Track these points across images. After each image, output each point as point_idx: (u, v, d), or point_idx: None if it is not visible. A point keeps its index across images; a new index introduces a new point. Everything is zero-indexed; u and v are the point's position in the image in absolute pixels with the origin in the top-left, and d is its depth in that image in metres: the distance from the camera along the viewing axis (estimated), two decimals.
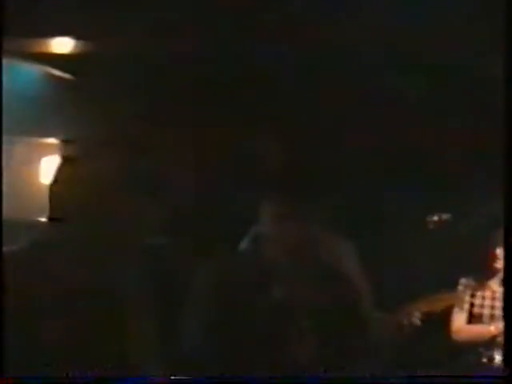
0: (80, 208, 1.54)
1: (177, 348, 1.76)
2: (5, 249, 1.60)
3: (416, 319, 2.52)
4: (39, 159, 4.61)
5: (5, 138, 4.92)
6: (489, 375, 1.56)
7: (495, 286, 3.46)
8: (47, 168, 4.61)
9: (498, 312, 3.30)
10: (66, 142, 4.50)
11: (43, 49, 3.53)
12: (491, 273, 3.48)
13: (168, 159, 1.65)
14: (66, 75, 4.02)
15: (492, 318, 3.35)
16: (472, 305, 3.45)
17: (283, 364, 2.06)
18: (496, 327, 3.18)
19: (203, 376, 1.52)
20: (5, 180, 5.11)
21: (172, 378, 1.44)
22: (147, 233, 1.56)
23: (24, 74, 4.23)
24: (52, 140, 4.30)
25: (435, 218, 3.45)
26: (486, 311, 3.41)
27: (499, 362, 2.38)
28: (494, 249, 3.39)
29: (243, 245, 2.29)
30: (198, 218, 2.99)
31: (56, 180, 1.60)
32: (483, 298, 3.46)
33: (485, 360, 2.92)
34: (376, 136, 2.96)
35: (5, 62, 3.98)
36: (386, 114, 2.85)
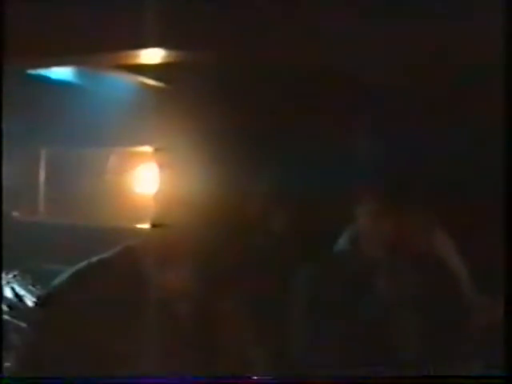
0: (180, 214, 1.57)
1: (279, 350, 1.78)
2: (100, 257, 1.64)
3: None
4: (133, 168, 4.71)
5: (101, 148, 5.04)
6: (489, 375, 1.53)
7: None
8: (141, 176, 4.71)
9: None
10: (159, 150, 4.56)
11: (136, 60, 3.60)
12: None
13: (265, 163, 1.66)
14: (159, 84, 4.10)
15: None
16: None
17: (388, 363, 2.05)
18: None
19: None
20: (100, 189, 5.24)
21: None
22: (250, 235, 1.58)
23: (117, 84, 4.33)
24: (145, 148, 4.38)
25: None
26: None
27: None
28: None
29: (341, 245, 2.29)
30: (297, 218, 3.00)
31: (156, 187, 1.64)
32: None
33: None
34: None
35: (99, 74, 4.09)
36: None
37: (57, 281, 1.61)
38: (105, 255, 1.64)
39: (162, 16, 2.71)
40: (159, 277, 1.58)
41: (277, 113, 3.26)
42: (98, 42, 3.21)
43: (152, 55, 3.35)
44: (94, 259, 1.64)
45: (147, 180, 4.45)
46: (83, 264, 1.63)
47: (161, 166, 1.67)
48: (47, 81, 3.90)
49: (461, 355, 2.09)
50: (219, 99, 2.75)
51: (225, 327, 1.60)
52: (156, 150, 1.71)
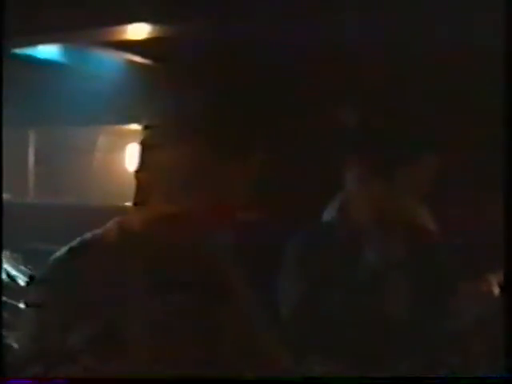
0: (165, 192, 1.56)
1: (272, 324, 1.77)
2: (93, 232, 1.63)
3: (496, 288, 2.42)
4: (123, 146, 4.68)
5: (90, 127, 5.01)
6: (491, 376, 1.51)
7: None
8: (131, 155, 4.68)
9: None
10: (148, 127, 4.53)
11: (122, 36, 3.57)
12: None
13: (251, 134, 1.64)
14: (147, 60, 4.06)
15: None
16: None
17: (379, 330, 2.05)
18: None
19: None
20: (90, 167, 5.21)
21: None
22: (236, 210, 1.57)
23: (105, 62, 4.29)
24: (135, 126, 4.35)
25: None
26: None
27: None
28: None
29: (329, 212, 2.29)
30: (284, 190, 2.99)
31: (140, 166, 1.62)
32: None
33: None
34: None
35: (85, 51, 4.05)
36: None
37: (52, 259, 1.60)
38: (97, 231, 1.63)
39: None
40: (151, 249, 1.57)
41: (268, 84, 3.24)
42: (84, 18, 3.17)
43: (139, 30, 3.32)
44: (87, 235, 1.63)
45: (137, 158, 4.44)
46: (76, 241, 1.61)
47: (149, 144, 1.64)
48: (33, 60, 3.86)
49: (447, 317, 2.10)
50: (209, 74, 2.73)
51: (223, 300, 1.60)
52: (145, 127, 1.68)
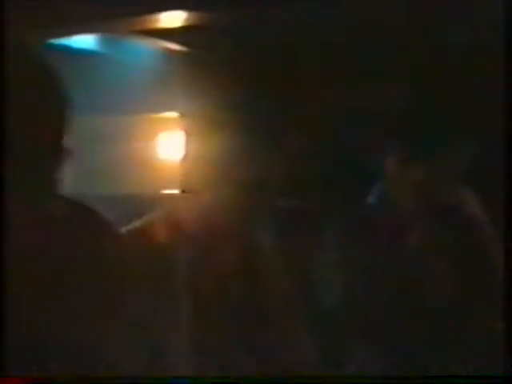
0: (208, 180, 1.55)
1: (312, 315, 1.76)
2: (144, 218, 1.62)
3: None
4: (157, 134, 4.68)
5: (125, 115, 5.02)
6: (489, 375, 1.49)
7: None
8: (166, 143, 4.69)
9: None
10: (184, 115, 4.55)
11: (157, 24, 3.56)
12: None
13: (288, 121, 1.62)
14: (183, 48, 4.05)
15: None
16: None
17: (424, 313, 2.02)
18: None
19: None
20: (126, 156, 5.23)
21: None
22: (275, 196, 1.56)
23: (139, 50, 4.29)
24: (170, 114, 4.35)
25: None
26: None
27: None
28: None
29: (371, 198, 2.27)
30: (324, 177, 2.97)
31: (183, 154, 1.62)
32: None
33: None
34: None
35: (122, 40, 4.05)
36: None
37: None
38: (148, 217, 1.62)
39: None
40: (191, 241, 1.56)
41: (302, 73, 3.21)
42: (118, 7, 3.16)
43: (174, 18, 3.31)
44: (139, 222, 1.63)
45: (173, 146, 4.44)
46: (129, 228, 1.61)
47: (186, 132, 1.64)
48: (67, 50, 3.87)
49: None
50: (244, 63, 2.71)
51: (267, 286, 1.59)
52: (181, 115, 1.68)
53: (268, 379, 1.30)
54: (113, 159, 5.40)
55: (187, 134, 4.25)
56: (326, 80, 3.32)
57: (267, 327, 1.53)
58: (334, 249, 2.18)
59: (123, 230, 1.62)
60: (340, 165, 3.29)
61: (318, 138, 2.79)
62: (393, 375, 1.35)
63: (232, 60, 1.97)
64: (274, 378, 1.27)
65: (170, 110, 4.39)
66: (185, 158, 1.64)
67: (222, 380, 1.27)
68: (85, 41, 3.96)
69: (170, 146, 4.70)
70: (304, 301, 1.73)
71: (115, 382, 1.22)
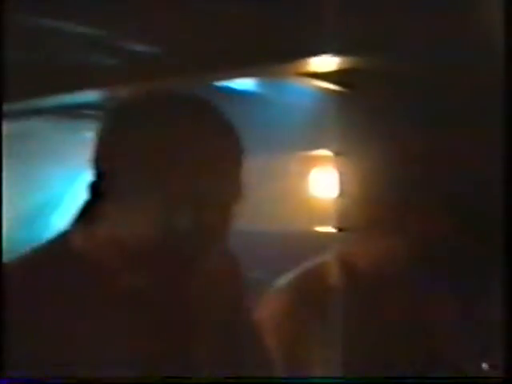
0: (361, 218, 1.60)
1: None
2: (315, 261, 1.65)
3: None
4: (309, 171, 4.78)
5: (281, 153, 5.15)
6: (489, 376, 1.42)
7: None
8: (317, 180, 4.77)
9: None
10: (338, 154, 4.61)
11: (315, 67, 3.68)
12: None
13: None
14: (338, 89, 4.14)
15: None
16: None
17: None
18: None
19: None
20: (281, 193, 5.34)
21: None
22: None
23: (297, 91, 4.43)
24: (325, 152, 4.44)
25: None
26: None
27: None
28: None
29: None
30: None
31: (337, 191, 1.69)
32: None
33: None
34: None
35: (279, 82, 4.20)
36: None
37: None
38: (318, 260, 1.66)
39: (339, 21, 2.76)
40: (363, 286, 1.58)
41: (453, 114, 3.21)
42: (278, 52, 3.31)
43: (330, 62, 3.41)
44: (308, 264, 1.66)
45: (326, 184, 4.52)
46: (298, 270, 1.66)
47: (340, 170, 1.71)
48: (233, 92, 4.07)
49: None
50: (398, 106, 2.77)
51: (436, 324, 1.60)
52: (336, 154, 1.75)
53: (268, 379, 1.29)
54: (268, 196, 5.54)
55: (340, 172, 4.32)
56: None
57: None
58: None
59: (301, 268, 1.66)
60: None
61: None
62: (393, 375, 1.33)
63: (384, 102, 2.03)
64: (273, 378, 1.26)
65: (324, 147, 4.48)
66: (339, 195, 1.70)
67: (217, 380, 1.24)
68: (246, 83, 4.16)
69: (323, 184, 4.79)
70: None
71: (116, 382, 1.19)
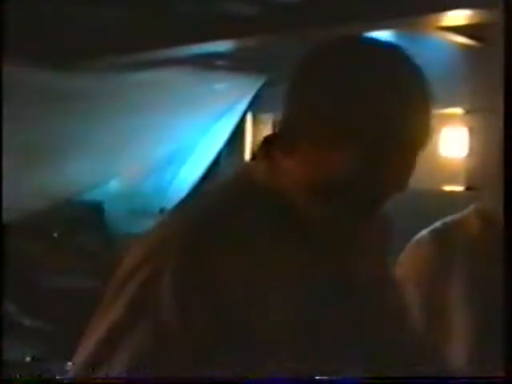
0: (492, 177, 1.54)
1: None
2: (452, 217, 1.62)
3: None
4: (440, 129, 4.66)
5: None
6: (488, 376, 1.30)
7: None
8: (448, 138, 4.62)
9: None
10: (469, 112, 4.46)
11: (450, 21, 3.57)
12: None
13: None
14: (473, 43, 4.00)
15: None
16: None
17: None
18: None
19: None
20: None
21: None
22: None
23: (433, 45, 4.30)
24: (455, 110, 4.30)
25: None
26: None
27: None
28: None
29: None
30: None
31: (467, 150, 1.62)
32: None
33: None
34: None
35: (415, 35, 4.08)
36: None
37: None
38: (456, 216, 1.63)
39: None
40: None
41: None
42: (416, 6, 3.25)
43: (464, 16, 3.30)
44: (448, 219, 1.64)
45: (456, 142, 4.39)
46: (439, 224, 1.64)
47: (471, 129, 1.65)
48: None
49: None
50: None
51: None
52: (466, 111, 1.69)
53: (267, 379, 1.22)
54: None
55: (471, 130, 4.18)
56: None
57: None
58: None
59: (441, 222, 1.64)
60: None
61: None
62: (392, 375, 1.25)
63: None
64: (274, 378, 1.19)
65: (455, 105, 4.34)
66: (469, 154, 1.64)
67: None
68: (382, 37, 4.08)
69: (452, 142, 4.64)
70: None
71: (116, 383, 1.17)
